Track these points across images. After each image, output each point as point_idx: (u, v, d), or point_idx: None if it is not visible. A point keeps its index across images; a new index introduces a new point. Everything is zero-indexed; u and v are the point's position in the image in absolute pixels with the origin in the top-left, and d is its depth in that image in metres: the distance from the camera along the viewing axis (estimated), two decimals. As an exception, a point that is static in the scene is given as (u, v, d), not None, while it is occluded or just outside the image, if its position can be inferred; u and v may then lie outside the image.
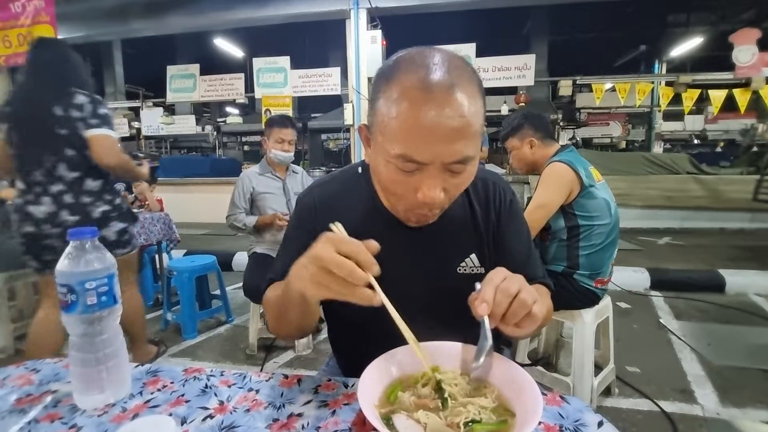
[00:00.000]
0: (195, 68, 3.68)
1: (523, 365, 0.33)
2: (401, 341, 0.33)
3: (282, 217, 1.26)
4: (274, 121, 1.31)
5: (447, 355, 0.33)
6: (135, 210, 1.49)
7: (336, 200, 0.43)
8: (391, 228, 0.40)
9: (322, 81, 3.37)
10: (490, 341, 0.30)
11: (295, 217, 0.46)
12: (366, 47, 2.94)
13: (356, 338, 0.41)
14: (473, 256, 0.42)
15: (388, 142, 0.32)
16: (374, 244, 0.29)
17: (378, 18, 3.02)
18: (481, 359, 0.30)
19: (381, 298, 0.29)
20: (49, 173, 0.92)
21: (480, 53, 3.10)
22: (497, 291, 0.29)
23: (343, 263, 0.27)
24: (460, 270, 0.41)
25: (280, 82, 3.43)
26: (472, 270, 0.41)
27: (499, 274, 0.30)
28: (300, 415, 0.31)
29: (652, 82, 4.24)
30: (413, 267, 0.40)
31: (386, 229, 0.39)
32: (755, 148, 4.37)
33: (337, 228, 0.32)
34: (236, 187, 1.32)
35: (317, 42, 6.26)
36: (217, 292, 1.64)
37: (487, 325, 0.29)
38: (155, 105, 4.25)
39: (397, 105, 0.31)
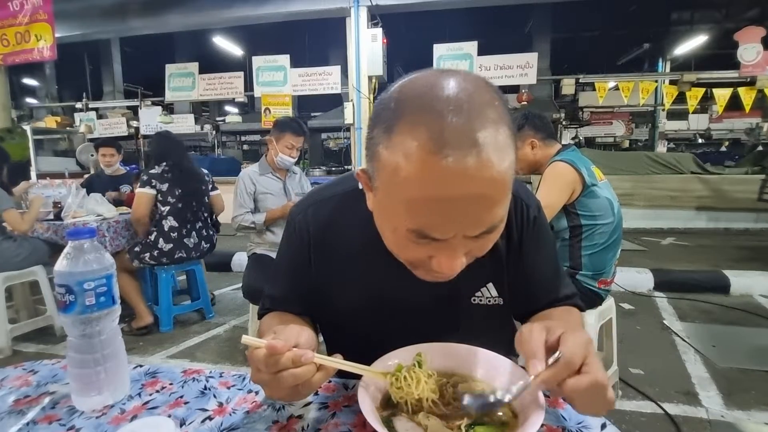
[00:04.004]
0: (194, 67, 3.67)
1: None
2: (401, 343, 0.33)
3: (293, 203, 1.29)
4: (287, 126, 1.28)
5: (444, 355, 0.33)
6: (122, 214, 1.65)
7: (332, 224, 0.38)
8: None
9: (322, 80, 3.36)
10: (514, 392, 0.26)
11: (286, 238, 0.41)
12: (366, 45, 2.93)
13: (354, 340, 0.39)
14: (490, 285, 0.37)
15: (396, 210, 0.26)
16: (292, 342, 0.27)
17: (378, 16, 3.00)
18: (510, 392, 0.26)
19: (334, 365, 0.28)
20: (195, 214, 1.53)
21: (482, 51, 3.08)
22: (563, 361, 0.23)
23: (284, 381, 0.26)
24: (474, 300, 0.37)
25: (280, 80, 3.41)
26: (489, 301, 0.37)
27: (578, 345, 0.24)
28: (300, 417, 0.31)
29: (656, 81, 4.20)
30: (422, 297, 0.36)
31: (391, 256, 0.32)
32: (760, 148, 4.33)
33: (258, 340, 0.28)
34: (238, 188, 1.31)
35: (317, 40, 6.25)
36: (224, 290, 1.73)
37: (522, 388, 0.26)
38: (154, 104, 4.25)
39: (406, 167, 0.24)
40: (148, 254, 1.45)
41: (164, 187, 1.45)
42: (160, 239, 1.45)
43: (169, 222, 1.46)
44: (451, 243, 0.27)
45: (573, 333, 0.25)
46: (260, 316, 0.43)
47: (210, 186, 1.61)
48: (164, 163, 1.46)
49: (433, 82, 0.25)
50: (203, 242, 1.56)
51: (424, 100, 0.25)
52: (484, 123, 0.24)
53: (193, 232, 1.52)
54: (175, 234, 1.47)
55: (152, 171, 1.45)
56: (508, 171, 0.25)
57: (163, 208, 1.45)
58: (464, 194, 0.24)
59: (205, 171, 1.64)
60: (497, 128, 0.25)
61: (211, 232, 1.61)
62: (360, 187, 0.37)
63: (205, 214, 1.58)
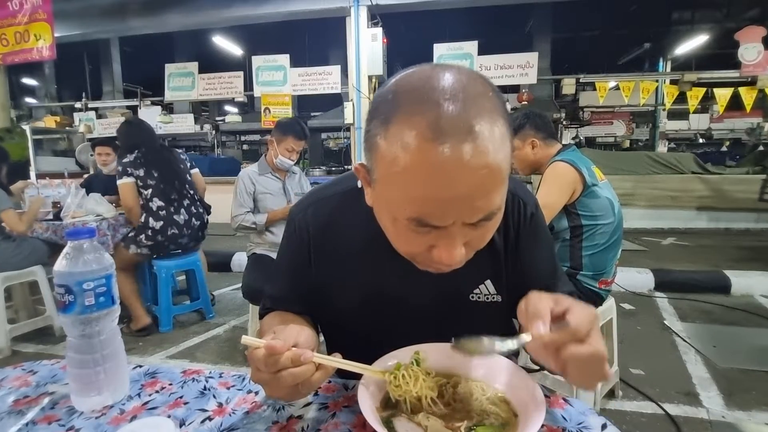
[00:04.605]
0: (193, 66, 3.66)
1: (529, 370, 0.32)
2: (400, 341, 0.33)
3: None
4: (290, 130, 1.28)
5: (444, 356, 0.32)
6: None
7: (332, 224, 0.39)
8: (397, 252, 0.33)
9: (322, 79, 3.35)
10: (507, 348, 0.26)
11: (286, 238, 0.41)
12: (366, 45, 2.92)
13: (355, 340, 0.39)
14: (488, 282, 0.38)
15: (395, 200, 0.27)
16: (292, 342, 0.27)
17: (378, 15, 3.00)
18: (493, 347, 0.27)
19: (333, 364, 0.28)
20: (180, 193, 1.52)
21: (482, 51, 3.08)
22: (568, 330, 0.23)
23: (284, 380, 0.26)
24: (473, 297, 0.38)
25: (280, 80, 3.41)
26: (487, 298, 0.38)
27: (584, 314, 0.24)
28: (300, 417, 0.31)
29: (657, 81, 4.18)
30: (422, 294, 0.37)
31: (391, 253, 0.32)
32: (761, 148, 4.33)
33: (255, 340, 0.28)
34: (238, 188, 1.31)
35: (317, 40, 6.25)
36: (224, 290, 1.72)
37: (521, 341, 0.26)
38: (153, 104, 4.25)
39: (403, 157, 0.25)
40: (143, 235, 1.45)
41: (141, 172, 1.44)
42: (150, 219, 1.45)
43: (156, 203, 1.46)
44: (450, 231, 0.27)
45: (581, 306, 0.25)
46: (261, 316, 0.43)
47: (189, 165, 1.60)
48: (136, 151, 1.46)
49: (429, 75, 0.26)
50: (193, 219, 1.54)
51: (420, 91, 0.25)
52: (480, 111, 0.25)
53: (182, 209, 1.51)
54: (164, 212, 1.47)
55: (125, 160, 1.45)
56: (504, 158, 0.26)
57: (146, 192, 1.45)
58: (462, 180, 0.24)
59: (180, 150, 1.65)
60: (492, 117, 0.25)
61: (201, 210, 1.59)
62: (359, 185, 0.37)
63: (191, 192, 1.56)
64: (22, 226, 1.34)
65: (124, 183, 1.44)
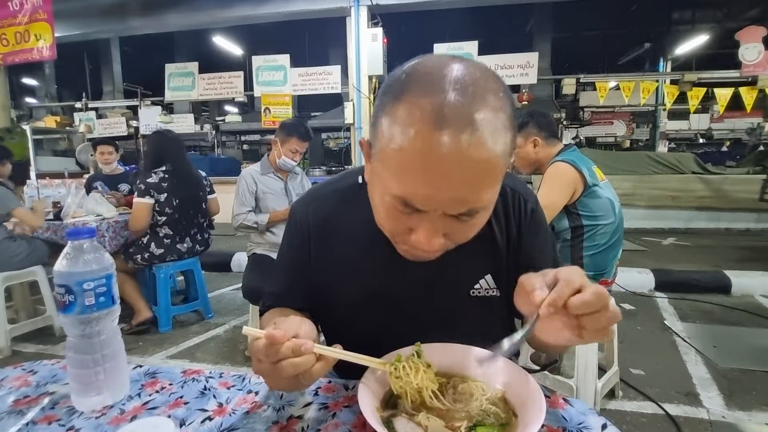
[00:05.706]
0: (194, 66, 3.66)
1: (530, 371, 0.32)
2: (401, 339, 0.33)
3: None
4: (294, 131, 1.27)
5: (443, 355, 0.32)
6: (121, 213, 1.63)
7: (333, 219, 0.39)
8: (396, 248, 0.34)
9: (322, 79, 3.35)
10: (518, 338, 0.27)
11: (287, 235, 0.42)
12: (367, 45, 2.93)
13: (354, 335, 0.38)
14: (488, 277, 0.38)
15: (386, 177, 0.28)
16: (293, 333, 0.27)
17: (379, 15, 3.00)
18: (504, 348, 0.27)
19: (334, 355, 0.28)
20: (189, 221, 1.52)
21: (482, 51, 3.09)
22: (563, 284, 0.24)
23: (284, 370, 0.26)
24: (473, 293, 0.38)
25: (280, 80, 3.41)
26: (487, 292, 0.38)
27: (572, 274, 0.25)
28: (300, 417, 0.31)
29: (657, 81, 4.18)
30: (421, 290, 0.37)
31: (390, 249, 0.33)
32: (761, 148, 4.34)
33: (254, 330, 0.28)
34: (240, 187, 1.31)
35: (317, 40, 6.26)
36: (224, 290, 1.72)
37: (533, 322, 0.25)
38: (153, 104, 4.24)
39: (402, 135, 0.25)
40: (139, 256, 1.46)
41: (162, 197, 1.41)
42: (152, 243, 1.45)
43: (164, 230, 1.46)
44: (431, 217, 0.28)
45: (565, 267, 0.26)
46: (261, 313, 0.43)
47: (208, 190, 1.59)
48: (162, 168, 1.42)
49: (444, 63, 0.27)
50: (197, 245, 1.56)
51: (432, 77, 0.26)
52: (484, 106, 0.25)
53: (187, 238, 1.52)
54: (169, 241, 1.48)
55: (149, 180, 1.40)
56: (500, 157, 0.26)
57: (159, 218, 1.44)
58: (452, 169, 0.25)
59: (203, 174, 1.60)
60: (496, 114, 0.25)
61: (206, 235, 1.61)
62: (360, 182, 0.38)
63: (202, 219, 1.56)
64: (39, 221, 1.35)
65: (143, 203, 1.39)
